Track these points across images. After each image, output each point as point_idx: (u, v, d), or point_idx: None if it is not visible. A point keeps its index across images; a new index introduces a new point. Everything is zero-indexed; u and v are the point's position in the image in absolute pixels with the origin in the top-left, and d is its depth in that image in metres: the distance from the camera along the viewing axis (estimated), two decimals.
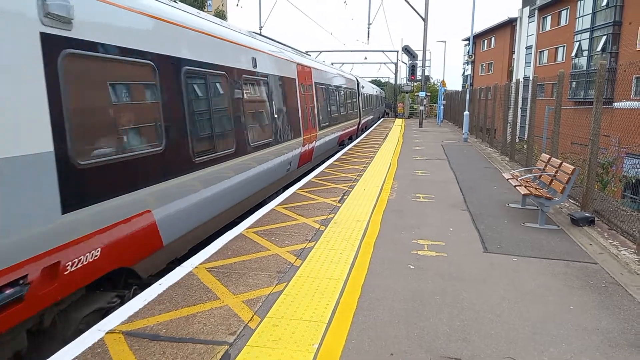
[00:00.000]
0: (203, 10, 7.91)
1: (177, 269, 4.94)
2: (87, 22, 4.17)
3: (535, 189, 7.33)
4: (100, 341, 3.47)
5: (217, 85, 6.93)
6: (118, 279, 4.85)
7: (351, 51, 46.43)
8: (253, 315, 3.92)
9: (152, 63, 5.11)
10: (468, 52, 24.73)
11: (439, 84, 47.44)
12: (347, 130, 19.79)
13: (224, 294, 4.34)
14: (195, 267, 4.97)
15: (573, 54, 35.75)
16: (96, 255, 4.20)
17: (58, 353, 3.32)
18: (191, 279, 4.66)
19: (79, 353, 3.31)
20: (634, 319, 3.97)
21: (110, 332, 3.61)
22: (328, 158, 14.62)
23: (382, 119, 41.74)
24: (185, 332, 3.63)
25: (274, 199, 8.32)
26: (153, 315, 3.90)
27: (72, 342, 3.46)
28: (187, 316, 3.89)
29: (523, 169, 10.35)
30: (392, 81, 58.50)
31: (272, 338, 3.57)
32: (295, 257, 5.32)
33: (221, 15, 44.54)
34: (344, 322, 3.84)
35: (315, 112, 13.47)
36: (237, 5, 43.42)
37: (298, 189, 9.19)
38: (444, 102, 35.75)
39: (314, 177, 10.71)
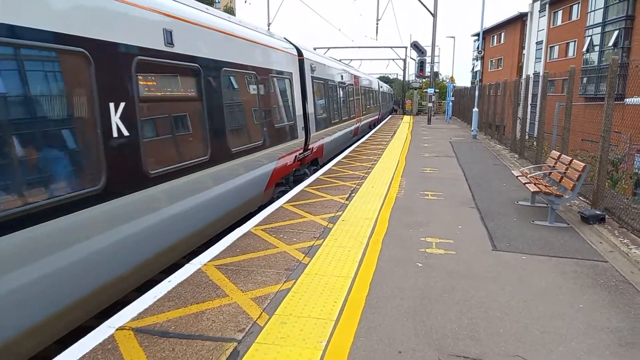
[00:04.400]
0: (212, 6, 8.06)
1: (186, 266, 4.98)
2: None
3: (545, 186, 7.27)
4: (110, 337, 3.51)
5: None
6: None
7: (360, 47, 46.40)
8: (261, 313, 3.94)
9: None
10: (477, 47, 24.56)
11: (447, 80, 47.19)
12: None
13: (232, 291, 4.36)
14: (204, 265, 5.01)
15: (584, 49, 35.35)
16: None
17: (69, 349, 3.37)
18: (200, 276, 4.69)
19: (89, 349, 3.35)
20: None
21: (120, 328, 3.65)
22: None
23: (390, 116, 41.63)
24: (194, 328, 3.67)
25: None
26: (162, 312, 3.94)
27: (83, 339, 3.50)
28: (196, 313, 3.92)
29: (533, 166, 10.27)
30: (401, 77, 58.28)
31: (280, 335, 3.59)
32: (303, 255, 5.33)
33: (230, 12, 44.59)
34: (352, 319, 3.85)
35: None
36: (245, 2, 43.38)
37: (306, 187, 9.20)
38: (452, 98, 35.55)
39: (322, 174, 10.72)
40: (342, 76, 17.03)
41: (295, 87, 10.30)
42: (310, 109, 11.32)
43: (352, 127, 18.91)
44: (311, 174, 11.17)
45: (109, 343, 3.44)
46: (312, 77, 11.83)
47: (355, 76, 21.01)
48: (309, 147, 11.17)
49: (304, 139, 10.62)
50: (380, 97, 33.58)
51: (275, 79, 9.03)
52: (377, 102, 31.23)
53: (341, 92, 16.80)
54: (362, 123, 22.48)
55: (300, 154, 10.43)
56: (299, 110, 10.35)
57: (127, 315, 3.86)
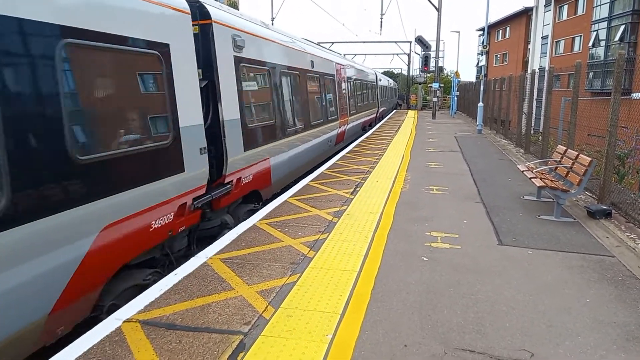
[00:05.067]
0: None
1: (192, 259, 4.99)
2: None
3: (551, 181, 7.24)
4: (117, 330, 3.53)
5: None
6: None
7: (364, 42, 46.22)
8: (267, 306, 3.95)
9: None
10: (482, 42, 24.41)
11: (452, 75, 47.03)
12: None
13: (238, 284, 4.37)
14: (210, 258, 5.02)
15: (590, 43, 35.07)
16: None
17: (76, 341, 3.39)
18: (206, 270, 4.71)
19: (97, 341, 3.37)
20: None
21: (127, 320, 3.67)
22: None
23: (394, 111, 41.54)
24: (201, 321, 3.68)
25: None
26: (169, 304, 3.95)
27: (90, 331, 3.53)
28: (203, 306, 3.93)
29: (538, 160, 10.23)
30: (405, 72, 58.10)
31: (286, 328, 3.59)
32: (309, 249, 5.34)
33: (234, 6, 44.43)
34: (358, 313, 3.85)
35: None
36: None
37: (310, 181, 9.20)
38: (457, 93, 35.43)
39: (327, 169, 10.71)
40: (312, 62, 12.03)
41: (179, 72, 5.34)
42: (229, 113, 6.66)
43: (333, 133, 14.13)
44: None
45: (116, 335, 3.46)
46: (236, 57, 7.08)
47: (338, 64, 15.85)
48: (228, 180, 6.68)
49: (206, 169, 5.93)
50: (378, 92, 29.91)
51: (92, 54, 4.16)
52: (373, 98, 26.76)
53: (310, 86, 11.70)
54: (351, 125, 17.68)
55: (197, 198, 5.79)
56: (188, 119, 5.49)
57: (133, 307, 3.88)
